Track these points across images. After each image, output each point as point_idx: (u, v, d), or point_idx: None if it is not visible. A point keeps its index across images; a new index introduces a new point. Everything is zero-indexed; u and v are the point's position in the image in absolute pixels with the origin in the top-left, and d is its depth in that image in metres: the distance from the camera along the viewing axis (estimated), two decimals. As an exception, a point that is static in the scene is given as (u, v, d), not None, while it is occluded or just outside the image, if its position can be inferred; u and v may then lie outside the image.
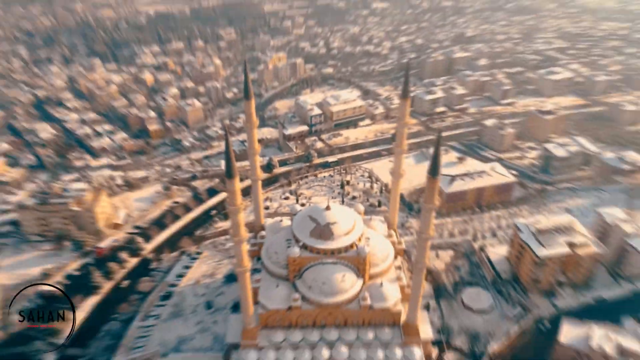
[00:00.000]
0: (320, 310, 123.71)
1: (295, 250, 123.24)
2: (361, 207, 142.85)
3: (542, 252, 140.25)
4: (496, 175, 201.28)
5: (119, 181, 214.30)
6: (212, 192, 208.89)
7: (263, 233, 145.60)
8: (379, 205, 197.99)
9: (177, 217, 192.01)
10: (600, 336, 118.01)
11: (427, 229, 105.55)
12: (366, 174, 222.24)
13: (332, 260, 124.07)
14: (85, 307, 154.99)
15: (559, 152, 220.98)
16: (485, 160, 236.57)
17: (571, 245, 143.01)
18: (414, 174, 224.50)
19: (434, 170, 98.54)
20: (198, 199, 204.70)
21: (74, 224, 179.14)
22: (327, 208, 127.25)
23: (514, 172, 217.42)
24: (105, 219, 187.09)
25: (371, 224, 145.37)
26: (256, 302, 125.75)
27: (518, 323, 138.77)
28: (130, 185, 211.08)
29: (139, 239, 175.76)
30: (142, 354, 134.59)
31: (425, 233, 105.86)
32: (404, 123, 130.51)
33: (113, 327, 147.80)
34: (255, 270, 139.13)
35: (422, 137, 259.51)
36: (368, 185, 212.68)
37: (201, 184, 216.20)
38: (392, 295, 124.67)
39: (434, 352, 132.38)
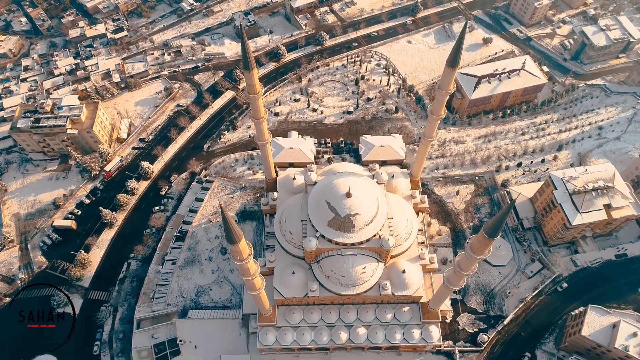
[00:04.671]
0: (338, 297, 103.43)
1: (312, 244, 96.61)
2: (384, 177, 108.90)
3: (577, 219, 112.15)
4: (526, 76, 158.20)
5: (117, 78, 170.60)
6: (215, 92, 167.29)
7: (275, 195, 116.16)
8: (396, 110, 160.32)
9: (182, 129, 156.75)
10: (627, 333, 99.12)
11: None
12: (382, 64, 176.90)
13: (351, 252, 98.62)
14: (102, 244, 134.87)
15: (598, 40, 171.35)
16: (513, 39, 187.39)
17: (608, 207, 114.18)
18: (433, 60, 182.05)
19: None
20: (201, 104, 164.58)
21: (74, 144, 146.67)
22: (348, 195, 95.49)
23: (541, 57, 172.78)
24: (107, 135, 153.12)
25: (393, 182, 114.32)
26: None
27: (535, 282, 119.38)
28: (129, 86, 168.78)
29: (146, 163, 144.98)
30: (164, 310, 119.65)
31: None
32: (446, 93, 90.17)
33: (132, 269, 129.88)
34: (268, 234, 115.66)
35: (445, 5, 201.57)
36: (385, 80, 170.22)
37: (204, 79, 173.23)
38: (414, 282, 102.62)
39: (449, 314, 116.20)
